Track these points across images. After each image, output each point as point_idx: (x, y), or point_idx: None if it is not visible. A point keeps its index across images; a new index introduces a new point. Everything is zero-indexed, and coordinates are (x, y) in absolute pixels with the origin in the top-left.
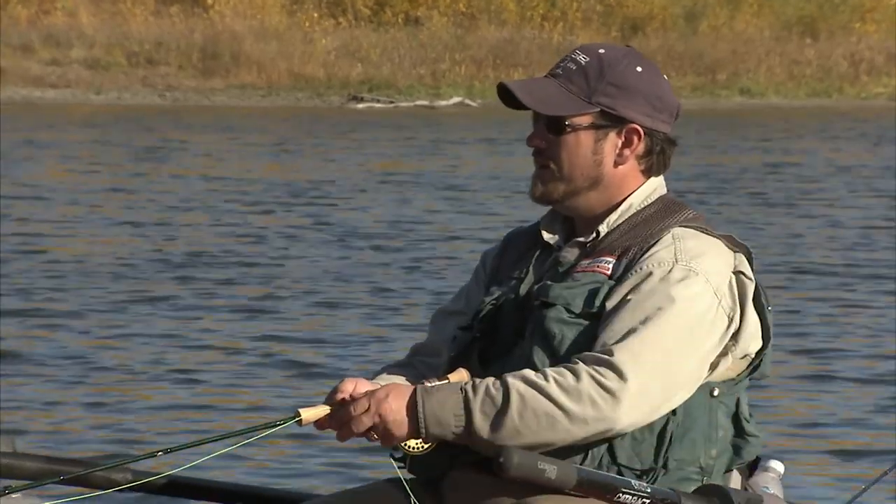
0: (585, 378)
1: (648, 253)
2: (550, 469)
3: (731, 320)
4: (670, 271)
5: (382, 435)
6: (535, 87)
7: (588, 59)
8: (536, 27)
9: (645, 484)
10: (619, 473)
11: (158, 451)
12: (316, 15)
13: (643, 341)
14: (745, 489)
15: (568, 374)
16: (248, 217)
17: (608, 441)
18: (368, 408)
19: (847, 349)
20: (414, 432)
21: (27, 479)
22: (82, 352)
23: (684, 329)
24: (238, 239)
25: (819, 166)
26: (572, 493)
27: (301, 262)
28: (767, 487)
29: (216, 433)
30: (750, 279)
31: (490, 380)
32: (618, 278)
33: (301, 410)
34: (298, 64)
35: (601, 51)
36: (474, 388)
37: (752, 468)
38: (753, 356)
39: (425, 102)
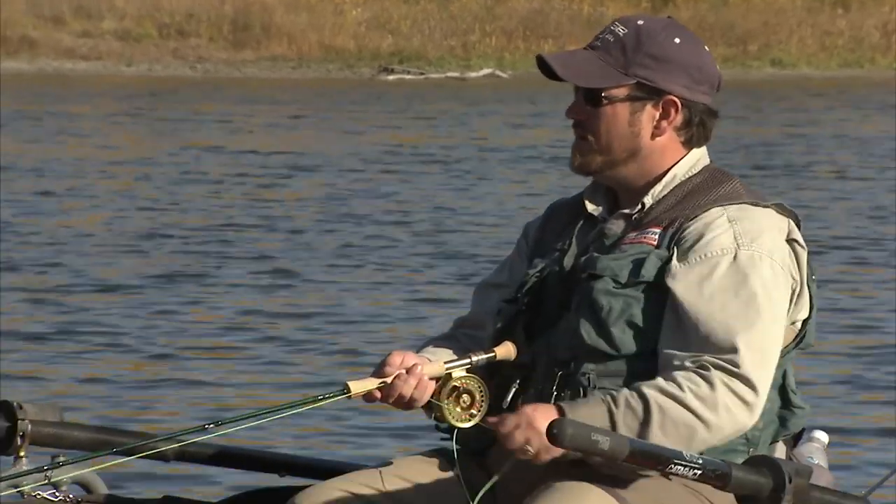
0: (720, 387)
1: (708, 236)
2: (603, 440)
3: (793, 292)
4: (735, 257)
5: (538, 447)
6: (573, 60)
7: (626, 30)
8: None
9: (696, 455)
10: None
11: (208, 424)
12: None
13: (757, 342)
14: (790, 459)
15: (702, 382)
16: (273, 190)
17: None
18: (519, 424)
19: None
20: None
21: (76, 449)
22: (123, 326)
23: (776, 319)
24: (264, 213)
25: (849, 137)
26: (625, 463)
27: (331, 237)
28: (812, 458)
29: (265, 407)
30: (803, 247)
31: (627, 392)
32: (678, 256)
33: (350, 383)
34: (329, 36)
35: (640, 22)
36: (615, 401)
37: (796, 438)
38: (800, 326)
39: (456, 74)
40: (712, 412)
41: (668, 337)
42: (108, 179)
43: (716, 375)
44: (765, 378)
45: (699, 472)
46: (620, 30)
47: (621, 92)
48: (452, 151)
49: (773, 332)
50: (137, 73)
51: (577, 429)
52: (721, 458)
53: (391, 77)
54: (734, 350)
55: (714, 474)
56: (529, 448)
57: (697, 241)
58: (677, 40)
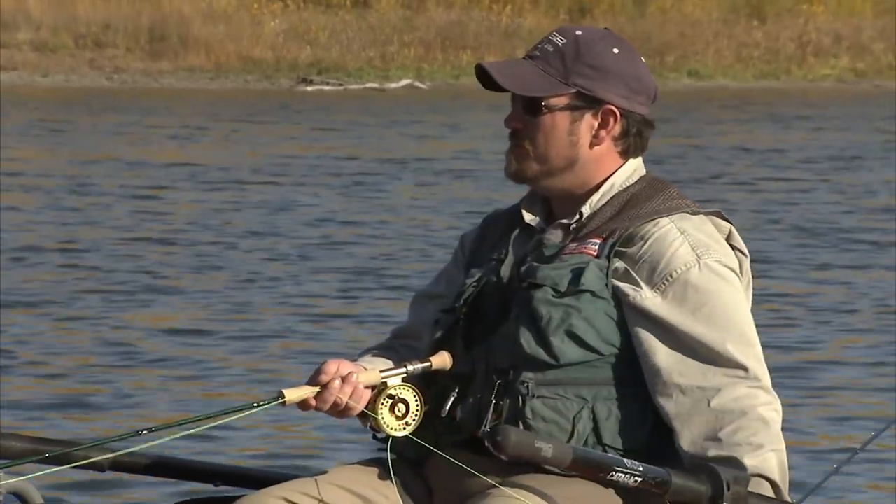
0: (771, 418)
1: (667, 254)
2: (546, 448)
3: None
4: (699, 269)
5: None
6: (512, 69)
7: (565, 40)
8: (485, 9)
9: (637, 463)
10: (605, 453)
11: (142, 431)
12: None
13: (750, 347)
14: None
15: (761, 427)
16: (166, 202)
17: (594, 422)
18: None
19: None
20: None
21: (10, 458)
22: (44, 341)
23: (747, 317)
24: (184, 225)
25: (764, 148)
26: (565, 472)
27: (260, 245)
28: None
29: (200, 414)
30: (744, 254)
31: (734, 474)
32: (645, 280)
33: (285, 391)
34: (247, 46)
35: (578, 32)
36: (748, 486)
37: None
38: None
39: (375, 85)
40: (778, 439)
41: (662, 357)
42: (4, 192)
43: (760, 412)
44: (768, 375)
45: (639, 479)
46: (559, 40)
47: (561, 101)
48: (359, 163)
49: (754, 330)
50: (53, 84)
51: (520, 437)
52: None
53: (310, 88)
54: (740, 365)
55: (654, 481)
56: None
57: (658, 261)
58: (616, 50)
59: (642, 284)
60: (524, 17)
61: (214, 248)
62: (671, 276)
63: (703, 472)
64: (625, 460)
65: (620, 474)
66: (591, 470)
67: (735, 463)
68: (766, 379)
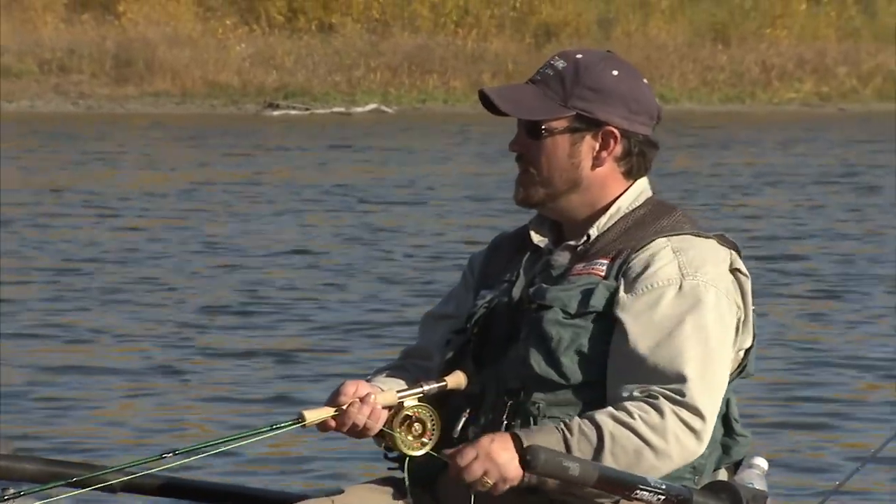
0: (669, 414)
1: (653, 268)
2: (574, 466)
3: (739, 321)
4: (680, 287)
5: (497, 478)
6: (513, 93)
7: (565, 64)
8: (450, 34)
9: (660, 481)
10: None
11: (164, 455)
12: (229, 22)
13: (705, 372)
14: None
15: (652, 411)
16: (161, 227)
17: None
18: (477, 455)
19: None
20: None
21: (26, 481)
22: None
23: (722, 346)
24: (150, 248)
25: (725, 172)
26: (594, 489)
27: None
28: (753, 483)
29: (221, 436)
30: (746, 276)
31: (579, 420)
32: (624, 286)
33: (305, 413)
34: (213, 71)
35: (578, 56)
36: (569, 428)
37: (737, 465)
38: (743, 355)
39: (341, 109)
40: (661, 439)
41: (616, 366)
42: None
43: (664, 404)
44: (711, 406)
45: (662, 497)
46: (560, 63)
47: (561, 124)
48: (337, 185)
49: (720, 360)
50: (18, 110)
51: (549, 455)
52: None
53: (276, 113)
54: (682, 379)
55: (677, 500)
56: (488, 479)
57: (643, 272)
58: (615, 72)
59: (622, 291)
60: (490, 42)
61: (169, 274)
62: (648, 287)
63: (723, 491)
64: (648, 478)
65: (645, 492)
66: (617, 488)
67: (593, 415)
68: (702, 403)
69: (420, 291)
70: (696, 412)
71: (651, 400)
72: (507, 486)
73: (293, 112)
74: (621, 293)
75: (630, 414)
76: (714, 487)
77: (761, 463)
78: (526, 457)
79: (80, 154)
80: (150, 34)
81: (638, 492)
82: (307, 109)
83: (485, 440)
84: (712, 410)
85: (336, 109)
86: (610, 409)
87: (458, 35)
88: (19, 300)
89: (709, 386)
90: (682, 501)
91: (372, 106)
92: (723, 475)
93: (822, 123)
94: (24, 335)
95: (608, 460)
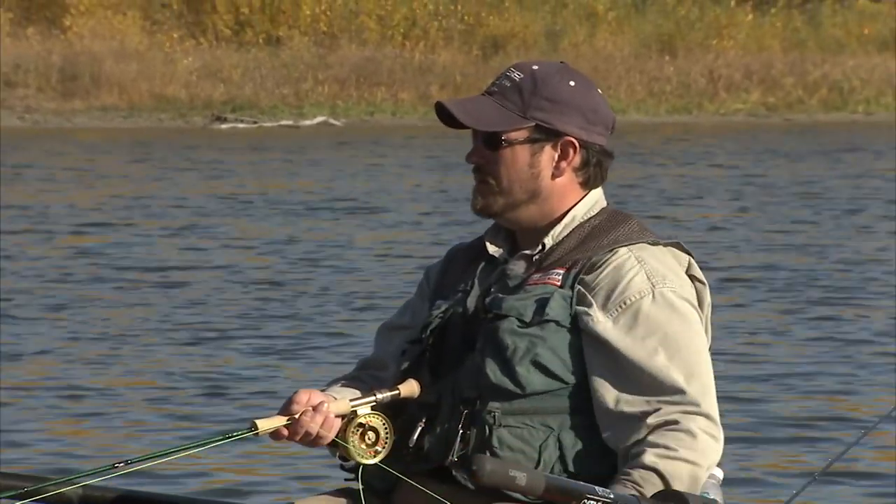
0: (698, 433)
1: (623, 282)
2: (521, 476)
3: (704, 328)
4: (653, 298)
5: None
6: (471, 106)
7: (522, 75)
8: (398, 46)
9: (607, 490)
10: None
11: (116, 464)
12: (176, 35)
13: (703, 378)
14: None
15: (684, 436)
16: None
17: (560, 451)
18: None
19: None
20: None
21: None
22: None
23: (698, 347)
24: (95, 262)
25: (674, 183)
26: (530, 500)
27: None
28: (708, 493)
29: (173, 446)
30: (703, 283)
31: (638, 471)
32: (599, 306)
33: (257, 421)
34: (160, 85)
35: (535, 67)
36: (635, 482)
37: None
38: None
39: (289, 122)
40: (702, 456)
41: (608, 384)
42: None
43: (690, 425)
44: (715, 406)
45: None
46: (516, 75)
47: (520, 135)
48: (289, 198)
49: (707, 362)
50: None
51: (495, 466)
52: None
53: (224, 126)
54: (682, 391)
55: None
56: None
57: (614, 288)
58: (572, 83)
59: (596, 309)
60: (437, 54)
61: (112, 292)
62: (624, 303)
63: (673, 499)
64: (596, 488)
65: (592, 501)
66: (564, 497)
67: (643, 462)
68: (710, 407)
69: (365, 305)
70: (713, 419)
71: (676, 426)
72: None
73: (241, 125)
74: (595, 311)
75: (669, 447)
76: (664, 496)
77: (717, 473)
78: (472, 467)
79: (17, 168)
80: (96, 48)
81: (586, 501)
82: (255, 122)
83: None
84: (716, 410)
85: (284, 122)
86: (650, 450)
87: (405, 47)
88: None
89: (708, 389)
90: None
91: (320, 119)
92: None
93: (769, 134)
94: None
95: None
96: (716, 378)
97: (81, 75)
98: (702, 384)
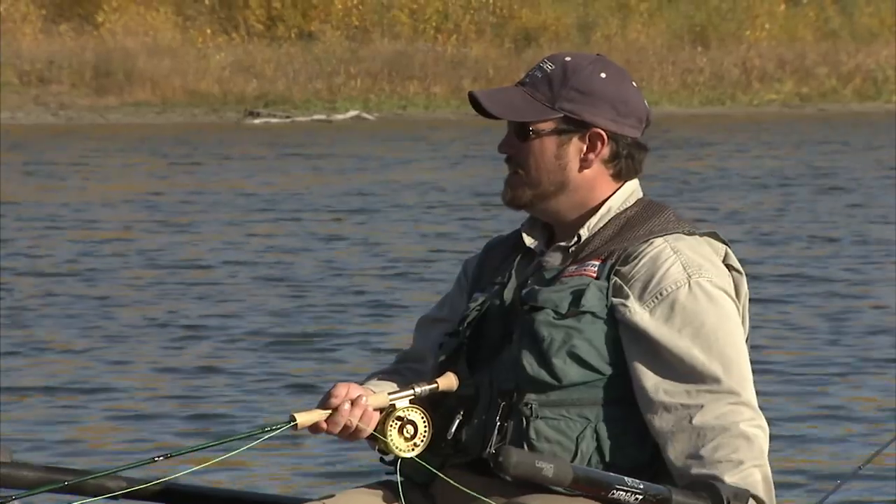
0: (750, 431)
1: (659, 273)
2: (548, 467)
3: (741, 317)
4: (690, 289)
5: None
6: (502, 96)
7: (554, 66)
8: (430, 39)
9: (638, 481)
10: (608, 471)
11: (157, 457)
12: (209, 31)
13: (741, 368)
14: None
15: (741, 441)
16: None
17: (597, 441)
18: None
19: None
20: None
21: (25, 489)
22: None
23: (735, 336)
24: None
25: (706, 174)
26: (566, 491)
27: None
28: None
29: (213, 439)
30: (739, 272)
31: (724, 487)
32: (636, 297)
33: (296, 415)
34: (193, 80)
35: (567, 59)
36: (723, 499)
37: None
38: None
39: (322, 116)
40: (761, 454)
41: (649, 372)
42: None
43: (739, 423)
44: (753, 395)
45: (640, 496)
46: (549, 66)
47: (548, 125)
48: (323, 192)
49: (743, 351)
50: None
51: (521, 457)
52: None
53: (257, 121)
54: (720, 380)
55: (655, 499)
56: None
57: (650, 279)
58: (603, 75)
59: (633, 301)
60: (469, 47)
61: (158, 289)
62: (661, 294)
63: (704, 490)
64: (625, 478)
65: (621, 492)
66: (592, 488)
67: (717, 480)
68: (750, 396)
69: (392, 301)
70: (754, 408)
71: (731, 432)
72: None
73: (274, 120)
74: (632, 302)
75: (734, 462)
76: (694, 486)
77: None
78: (498, 458)
79: (55, 165)
80: (129, 44)
81: (615, 492)
82: (288, 117)
83: None
84: (754, 398)
85: (317, 117)
86: (720, 465)
87: (437, 41)
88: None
89: (747, 379)
90: (660, 501)
91: (353, 113)
92: None
93: (803, 124)
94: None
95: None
96: (762, 370)
97: (115, 71)
98: (740, 373)
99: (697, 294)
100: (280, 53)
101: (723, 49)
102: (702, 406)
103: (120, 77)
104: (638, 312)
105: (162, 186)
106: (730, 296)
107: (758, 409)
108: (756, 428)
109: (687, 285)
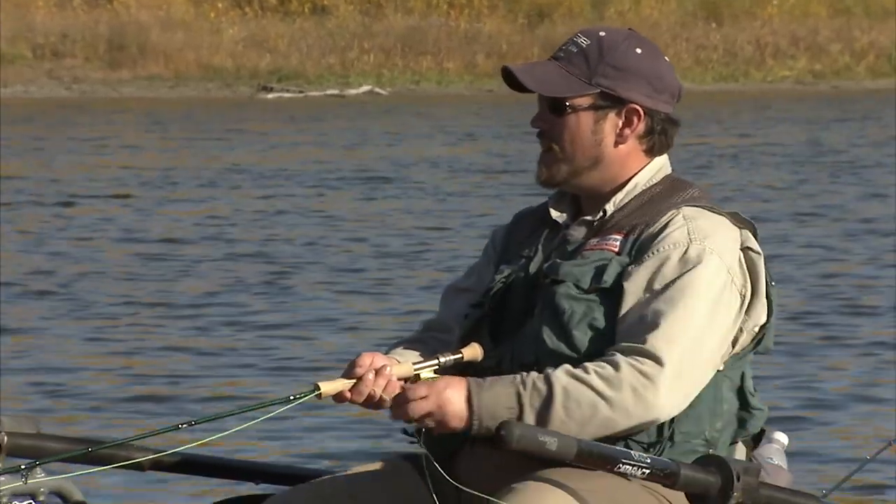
0: (624, 367)
1: (662, 234)
2: (551, 441)
3: (743, 297)
4: (686, 251)
5: (438, 422)
6: (537, 70)
7: (589, 42)
8: (443, 14)
9: (645, 455)
10: (626, 447)
11: (181, 424)
12: (221, 5)
13: (673, 324)
14: (751, 460)
15: (607, 365)
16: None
17: None
18: (428, 396)
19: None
20: (468, 424)
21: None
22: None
23: (707, 308)
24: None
25: (720, 151)
26: (574, 464)
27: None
28: (772, 458)
29: (236, 409)
30: (758, 253)
31: (535, 374)
32: (633, 258)
33: (321, 384)
34: (206, 54)
35: (602, 33)
36: (524, 382)
37: (757, 440)
38: (758, 330)
39: (335, 91)
40: (616, 391)
41: (621, 320)
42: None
43: (621, 358)
44: (673, 356)
45: (647, 470)
46: (583, 41)
47: (584, 101)
48: (340, 167)
49: (708, 324)
50: (13, 95)
51: (524, 430)
52: (678, 458)
53: (270, 95)
54: (649, 332)
55: (662, 473)
56: (429, 421)
57: (653, 240)
58: (638, 51)
59: (633, 256)
60: (483, 23)
61: (181, 263)
62: (656, 251)
63: (713, 464)
64: (632, 452)
65: (628, 466)
66: (598, 462)
67: (553, 374)
68: (667, 358)
69: (400, 277)
70: (651, 356)
71: (609, 356)
72: (444, 430)
73: (287, 95)
74: (634, 265)
75: (585, 369)
76: (704, 461)
77: (781, 438)
78: (500, 432)
79: (70, 140)
80: (142, 18)
81: (621, 465)
82: (301, 92)
83: (440, 382)
84: (672, 361)
85: (330, 92)
86: (566, 365)
87: (450, 16)
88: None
89: (680, 339)
90: (668, 475)
91: (366, 88)
92: (740, 449)
93: (816, 101)
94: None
95: (560, 413)
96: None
97: (128, 45)
98: (679, 332)
99: (689, 257)
100: (293, 28)
101: (736, 26)
102: (613, 356)
103: (133, 51)
104: (628, 271)
105: (173, 161)
106: (731, 272)
107: (667, 370)
108: (642, 379)
109: (684, 248)
